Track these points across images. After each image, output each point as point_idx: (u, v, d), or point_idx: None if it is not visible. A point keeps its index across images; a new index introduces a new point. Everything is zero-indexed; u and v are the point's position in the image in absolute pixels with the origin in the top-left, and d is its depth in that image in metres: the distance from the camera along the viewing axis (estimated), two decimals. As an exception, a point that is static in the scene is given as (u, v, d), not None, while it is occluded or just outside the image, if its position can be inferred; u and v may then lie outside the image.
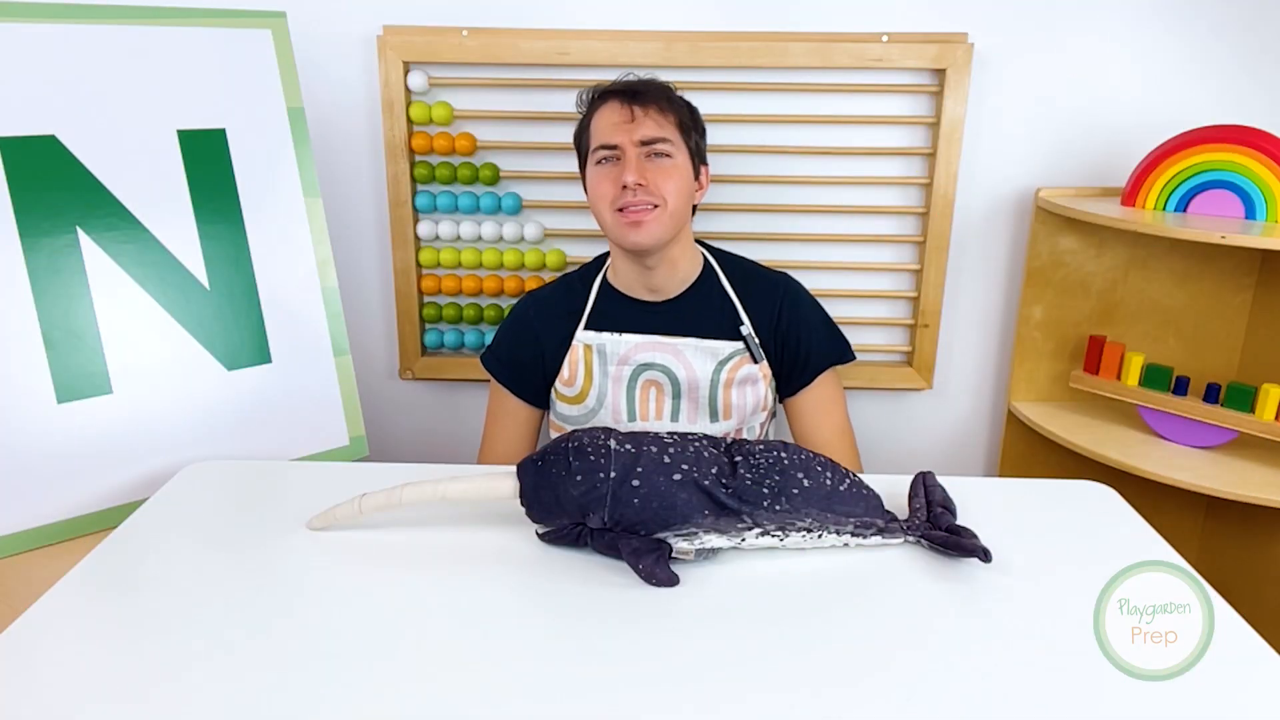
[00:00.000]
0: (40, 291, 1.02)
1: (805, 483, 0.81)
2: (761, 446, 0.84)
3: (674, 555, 0.79)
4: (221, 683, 0.65)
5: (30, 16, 1.02)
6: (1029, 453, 1.66)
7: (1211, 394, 1.41)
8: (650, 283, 1.28)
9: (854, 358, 1.34)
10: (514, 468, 0.83)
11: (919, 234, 1.61)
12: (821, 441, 1.31)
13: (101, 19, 1.07)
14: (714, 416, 1.29)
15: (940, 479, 0.93)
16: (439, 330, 1.68)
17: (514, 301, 1.42)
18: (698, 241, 1.34)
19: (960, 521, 0.86)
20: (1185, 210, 1.40)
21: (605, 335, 1.29)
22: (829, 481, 0.82)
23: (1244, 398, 1.37)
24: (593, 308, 1.31)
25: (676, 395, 1.29)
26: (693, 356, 1.27)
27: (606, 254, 1.35)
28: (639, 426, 1.29)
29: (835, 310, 1.39)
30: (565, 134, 1.35)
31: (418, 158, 1.59)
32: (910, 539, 0.85)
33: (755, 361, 1.28)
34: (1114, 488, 0.98)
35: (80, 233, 1.04)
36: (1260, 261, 1.52)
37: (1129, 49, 1.51)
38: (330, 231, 1.28)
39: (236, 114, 1.16)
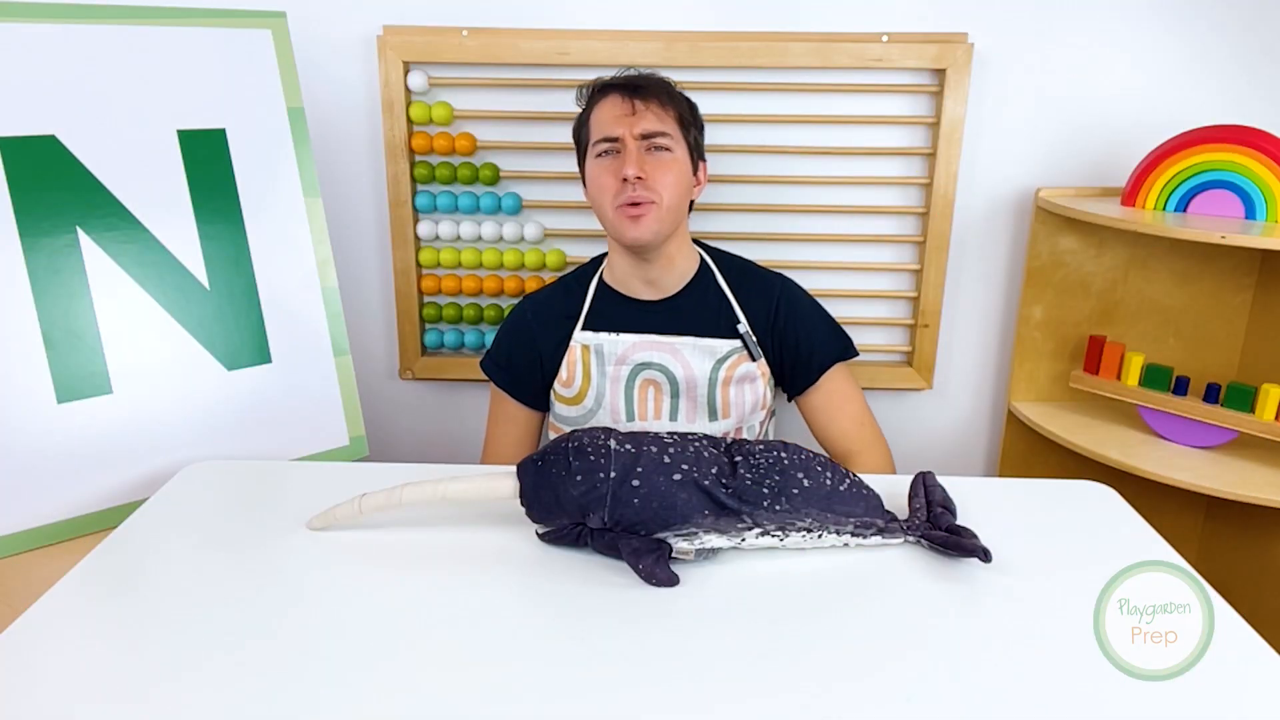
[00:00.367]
0: (40, 291, 1.02)
1: (805, 483, 0.81)
2: (761, 446, 0.84)
3: (674, 555, 0.79)
4: (222, 683, 0.65)
5: (30, 16, 1.02)
6: (1029, 453, 1.66)
7: (1211, 394, 1.41)
8: (648, 276, 1.28)
9: (857, 354, 1.34)
10: (514, 468, 0.83)
11: (919, 234, 1.61)
12: (838, 434, 1.31)
13: (101, 19, 1.07)
14: (713, 415, 1.29)
15: (940, 479, 0.93)
16: (439, 330, 1.68)
17: (514, 302, 1.42)
18: (695, 241, 1.34)
19: (960, 521, 0.86)
20: (1185, 210, 1.40)
21: (603, 335, 1.29)
22: (829, 481, 0.82)
23: (1244, 398, 1.37)
24: (590, 308, 1.31)
25: (675, 394, 1.29)
26: (690, 355, 1.27)
27: (603, 255, 1.35)
28: (638, 426, 1.29)
29: (835, 310, 1.39)
30: (565, 134, 1.35)
31: (418, 158, 1.59)
32: (910, 539, 0.85)
33: (753, 359, 1.28)
34: (1114, 488, 0.98)
35: (80, 233, 1.04)
36: (1260, 261, 1.52)
37: (1129, 49, 1.51)
38: (330, 231, 1.28)
39: (236, 114, 1.16)
